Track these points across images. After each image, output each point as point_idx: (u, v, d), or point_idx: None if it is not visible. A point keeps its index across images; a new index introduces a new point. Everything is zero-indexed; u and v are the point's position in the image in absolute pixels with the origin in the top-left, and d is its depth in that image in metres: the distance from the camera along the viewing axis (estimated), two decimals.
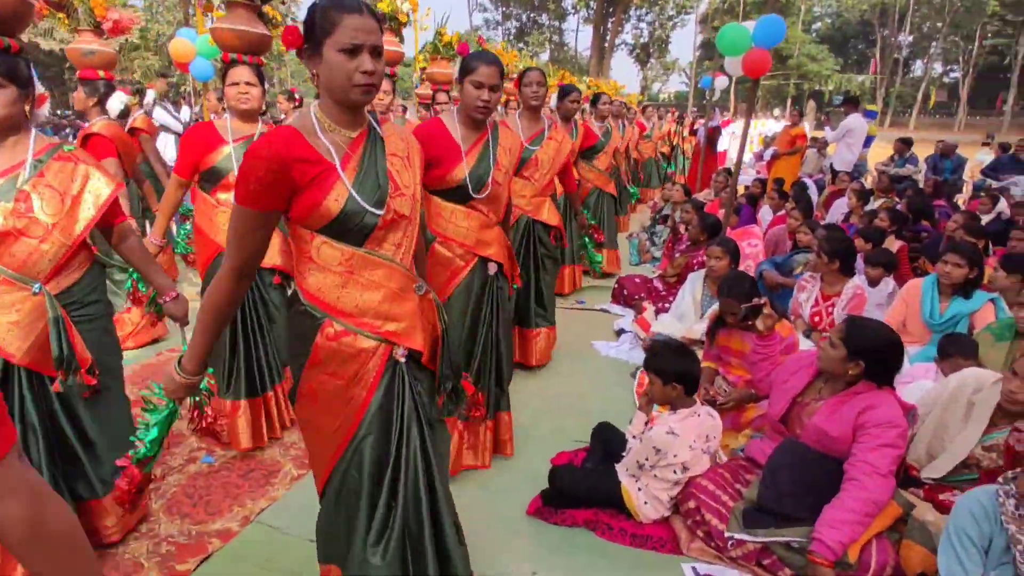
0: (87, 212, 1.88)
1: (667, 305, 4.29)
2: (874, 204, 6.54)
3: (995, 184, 8.33)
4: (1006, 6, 33.59)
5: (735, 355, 3.00)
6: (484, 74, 2.19)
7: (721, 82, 10.69)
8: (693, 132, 12.45)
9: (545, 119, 3.60)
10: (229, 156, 2.53)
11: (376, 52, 1.32)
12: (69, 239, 1.86)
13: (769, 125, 15.27)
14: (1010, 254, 3.54)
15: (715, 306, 3.20)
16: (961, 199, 9.10)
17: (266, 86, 2.57)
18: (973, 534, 1.62)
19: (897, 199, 6.61)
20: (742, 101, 18.04)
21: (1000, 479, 1.63)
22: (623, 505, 2.30)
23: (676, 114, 13.89)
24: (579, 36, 65.71)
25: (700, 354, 2.84)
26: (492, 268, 2.46)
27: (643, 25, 40.37)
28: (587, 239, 4.30)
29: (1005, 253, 3.69)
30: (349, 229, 1.39)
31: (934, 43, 39.17)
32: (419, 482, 1.53)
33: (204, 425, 2.52)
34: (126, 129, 4.75)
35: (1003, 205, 6.60)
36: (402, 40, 3.57)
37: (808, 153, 9.45)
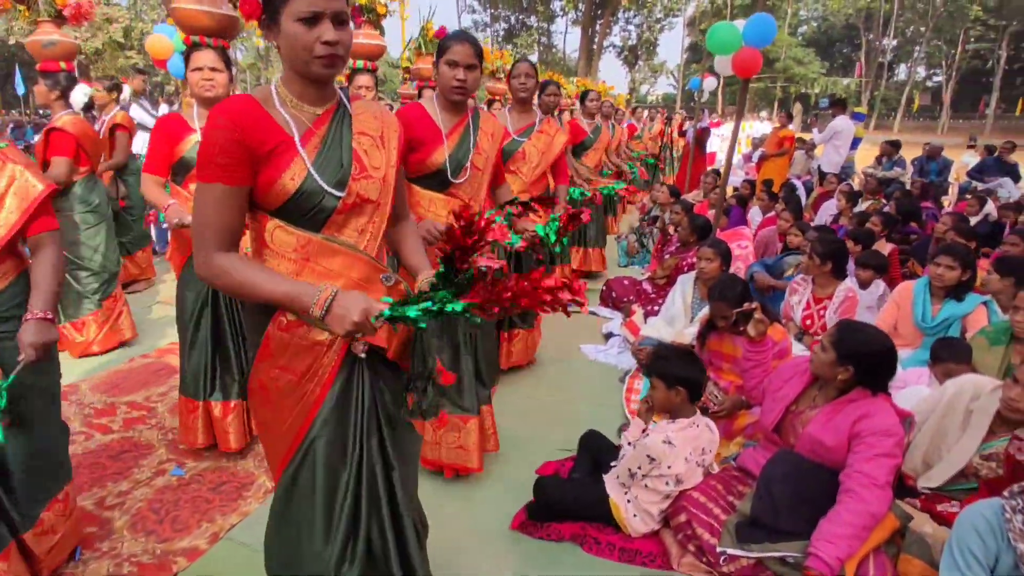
0: (10, 216, 1.70)
1: (656, 308, 4.20)
2: (862, 206, 6.52)
3: (981, 186, 8.38)
4: (988, 11, 34.08)
5: (727, 360, 2.92)
6: (458, 52, 2.11)
7: (709, 84, 10.67)
8: (682, 133, 12.43)
9: (538, 112, 3.51)
10: (197, 145, 2.40)
11: (339, 19, 1.21)
12: None
13: (756, 127, 15.29)
14: (1004, 257, 3.50)
15: (706, 309, 3.12)
16: (947, 201, 9.15)
17: (234, 71, 2.43)
18: (978, 551, 1.55)
19: (885, 201, 6.60)
20: (729, 103, 18.05)
21: (1006, 493, 1.56)
22: (611, 518, 2.21)
23: (665, 115, 13.88)
24: (567, 38, 65.70)
25: None
26: None
27: (631, 27, 40.47)
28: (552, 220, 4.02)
29: (999, 256, 3.65)
30: (306, 211, 1.28)
31: (918, 47, 39.62)
32: (378, 487, 1.42)
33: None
34: (108, 126, 4.63)
35: (990, 207, 6.62)
36: (383, 32, 3.45)
37: (796, 155, 9.46)
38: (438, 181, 2.28)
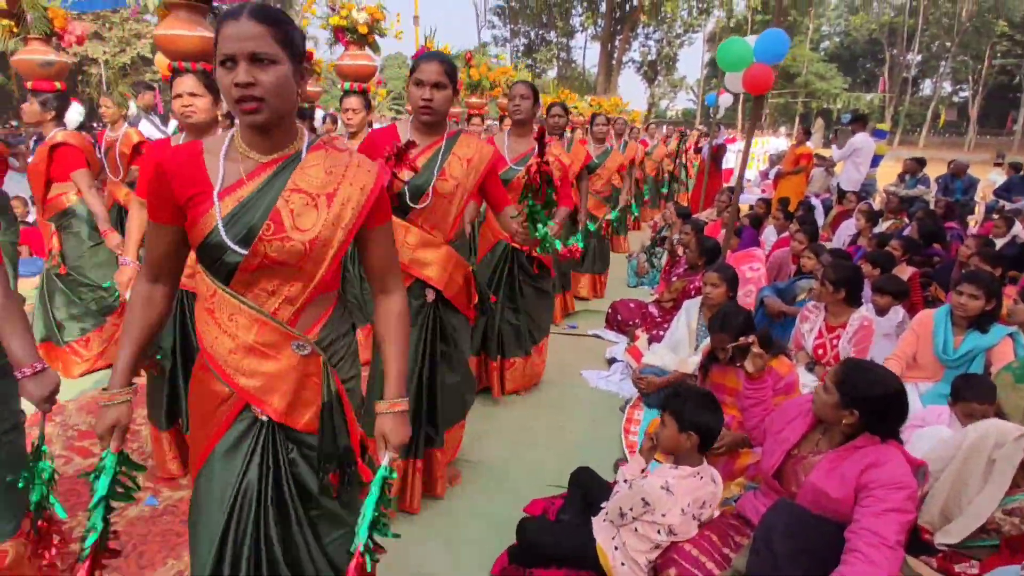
0: None
1: (662, 332, 4.04)
2: (883, 226, 6.30)
3: (1009, 206, 8.07)
4: (1015, 26, 33.40)
5: (729, 393, 2.76)
6: (424, 71, 2.03)
7: (725, 100, 10.51)
8: (698, 150, 12.25)
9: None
10: None
11: (256, 59, 1.13)
12: None
13: (774, 143, 15.04)
14: None
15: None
16: (973, 220, 8.83)
17: (222, 96, 2.36)
18: None
19: (907, 220, 6.36)
20: (749, 119, 17.83)
21: None
22: (598, 565, 2.05)
23: (681, 132, 13.72)
24: (587, 53, 65.93)
25: None
26: (430, 295, 2.24)
27: (651, 43, 40.40)
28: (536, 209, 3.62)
29: None
30: (212, 262, 1.27)
31: (943, 62, 38.90)
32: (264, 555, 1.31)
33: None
34: (125, 143, 4.61)
35: (1018, 228, 6.33)
36: (377, 50, 3.37)
37: (815, 172, 9.23)
38: (398, 206, 2.14)
